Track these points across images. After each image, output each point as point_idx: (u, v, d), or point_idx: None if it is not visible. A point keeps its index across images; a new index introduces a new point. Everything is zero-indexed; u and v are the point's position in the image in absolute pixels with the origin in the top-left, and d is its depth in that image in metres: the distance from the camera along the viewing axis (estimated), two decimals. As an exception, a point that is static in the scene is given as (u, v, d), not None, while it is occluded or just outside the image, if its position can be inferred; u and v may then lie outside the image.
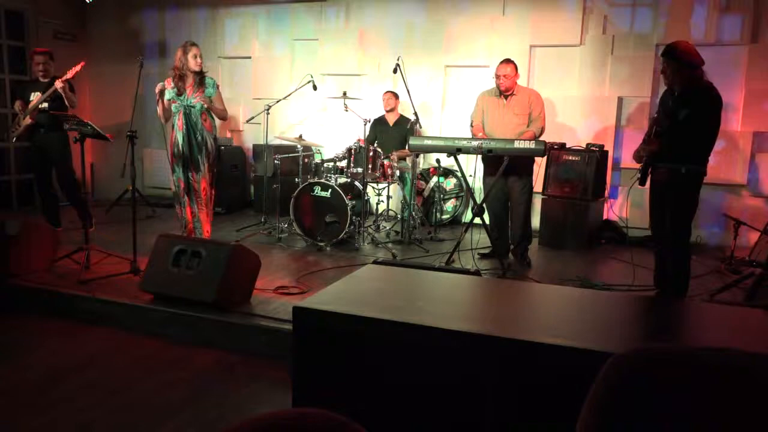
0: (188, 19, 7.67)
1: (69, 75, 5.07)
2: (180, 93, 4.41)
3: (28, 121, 5.31)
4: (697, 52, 3.53)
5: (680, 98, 3.54)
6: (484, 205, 4.70)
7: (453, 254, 4.62)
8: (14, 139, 5.54)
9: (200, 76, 4.48)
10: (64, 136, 5.28)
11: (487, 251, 5.03)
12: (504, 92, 4.73)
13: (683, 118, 3.49)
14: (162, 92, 4.39)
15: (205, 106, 4.47)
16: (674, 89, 3.61)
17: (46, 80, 5.32)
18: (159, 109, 4.47)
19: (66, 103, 5.19)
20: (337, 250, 5.17)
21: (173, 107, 4.44)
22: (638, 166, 3.81)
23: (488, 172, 4.85)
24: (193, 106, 4.43)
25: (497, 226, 4.95)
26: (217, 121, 4.69)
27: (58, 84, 5.06)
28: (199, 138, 4.47)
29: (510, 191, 4.84)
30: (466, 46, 6.51)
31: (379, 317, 2.04)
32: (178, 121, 4.45)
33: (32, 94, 5.32)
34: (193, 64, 4.41)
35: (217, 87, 4.57)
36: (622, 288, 4.16)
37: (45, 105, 5.24)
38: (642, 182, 3.79)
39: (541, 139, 4.55)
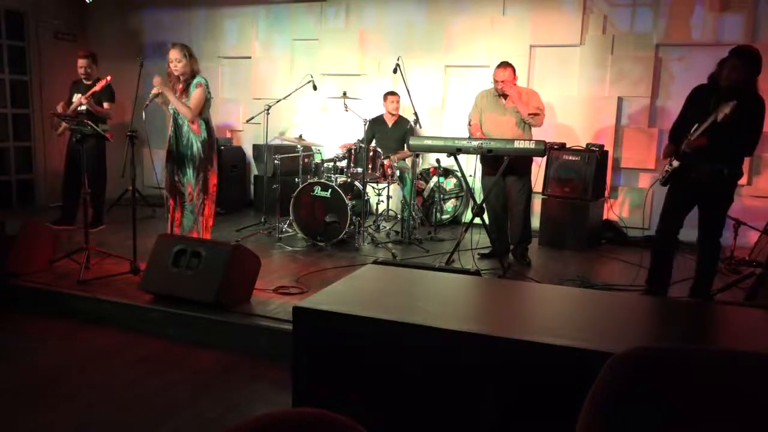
0: (188, 19, 7.66)
1: (97, 88, 5.33)
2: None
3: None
4: (761, 61, 3.45)
5: (725, 97, 3.43)
6: (484, 205, 4.71)
7: (453, 254, 4.62)
8: (58, 135, 5.79)
9: (188, 78, 4.38)
10: (99, 137, 5.34)
11: (487, 251, 5.03)
12: (503, 93, 4.73)
13: (730, 120, 3.37)
14: (156, 95, 4.32)
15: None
16: (720, 86, 3.50)
17: (88, 82, 5.57)
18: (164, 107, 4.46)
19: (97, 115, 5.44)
20: (337, 250, 5.17)
21: (169, 107, 4.44)
22: (666, 164, 3.76)
23: (486, 172, 4.84)
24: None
25: (497, 227, 4.95)
26: (214, 124, 4.61)
27: (83, 100, 5.36)
28: (185, 141, 4.42)
29: (508, 191, 4.84)
30: (466, 46, 6.50)
31: (379, 317, 2.04)
32: (169, 122, 4.45)
33: (75, 95, 5.57)
34: (171, 68, 4.36)
35: (199, 86, 4.36)
36: (622, 288, 4.17)
37: (83, 108, 5.43)
38: (665, 182, 3.76)
39: (541, 139, 4.56)
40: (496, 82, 4.69)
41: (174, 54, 4.35)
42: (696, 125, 3.56)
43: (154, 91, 4.29)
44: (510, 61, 4.75)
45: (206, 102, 4.44)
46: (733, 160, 3.54)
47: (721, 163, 3.51)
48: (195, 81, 4.40)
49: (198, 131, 4.43)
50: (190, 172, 4.45)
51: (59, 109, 5.55)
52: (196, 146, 4.43)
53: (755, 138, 3.51)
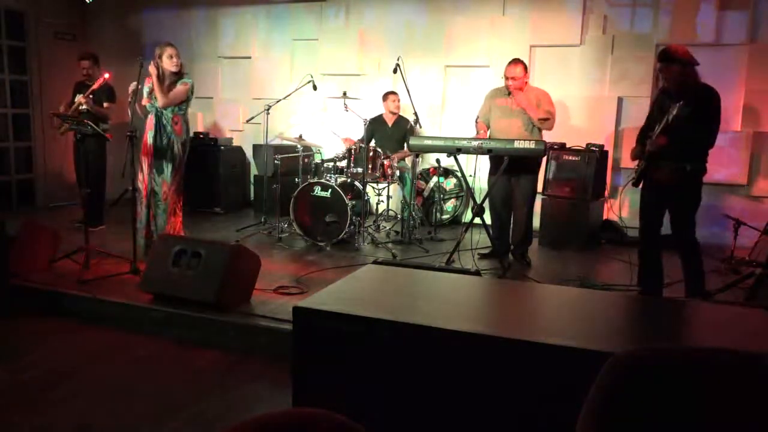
0: (188, 19, 7.66)
1: (95, 86, 5.31)
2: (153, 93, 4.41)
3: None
4: (689, 53, 3.58)
5: (678, 98, 3.54)
6: (485, 204, 4.70)
7: (453, 254, 4.62)
8: (61, 134, 5.81)
9: (177, 78, 4.43)
10: (99, 137, 5.36)
11: (487, 251, 5.03)
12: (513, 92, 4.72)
13: (685, 117, 3.49)
14: (135, 92, 4.34)
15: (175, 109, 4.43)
16: (671, 90, 3.64)
17: (90, 84, 5.56)
18: (137, 108, 4.44)
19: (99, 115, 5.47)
20: (337, 250, 5.17)
21: (147, 106, 4.45)
22: (635, 165, 3.81)
23: (493, 172, 4.83)
24: (165, 108, 4.41)
25: (498, 226, 4.94)
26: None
27: (82, 99, 5.37)
28: (165, 141, 4.43)
29: (512, 192, 4.83)
30: (466, 46, 6.50)
31: (379, 317, 2.04)
32: (149, 121, 4.46)
33: (77, 95, 5.59)
34: (168, 64, 4.39)
35: (185, 84, 4.43)
36: (622, 288, 4.16)
37: (84, 108, 5.44)
38: (636, 183, 3.80)
39: (542, 139, 4.56)
40: (506, 78, 4.68)
41: (174, 51, 4.43)
42: (657, 126, 3.66)
43: (131, 87, 4.33)
44: (521, 59, 4.74)
45: (187, 101, 4.51)
46: (695, 156, 3.60)
47: (683, 160, 3.56)
48: (183, 79, 4.47)
49: (180, 132, 4.48)
50: (167, 171, 4.46)
51: (61, 109, 5.57)
52: (177, 146, 4.47)
53: (713, 129, 3.56)
